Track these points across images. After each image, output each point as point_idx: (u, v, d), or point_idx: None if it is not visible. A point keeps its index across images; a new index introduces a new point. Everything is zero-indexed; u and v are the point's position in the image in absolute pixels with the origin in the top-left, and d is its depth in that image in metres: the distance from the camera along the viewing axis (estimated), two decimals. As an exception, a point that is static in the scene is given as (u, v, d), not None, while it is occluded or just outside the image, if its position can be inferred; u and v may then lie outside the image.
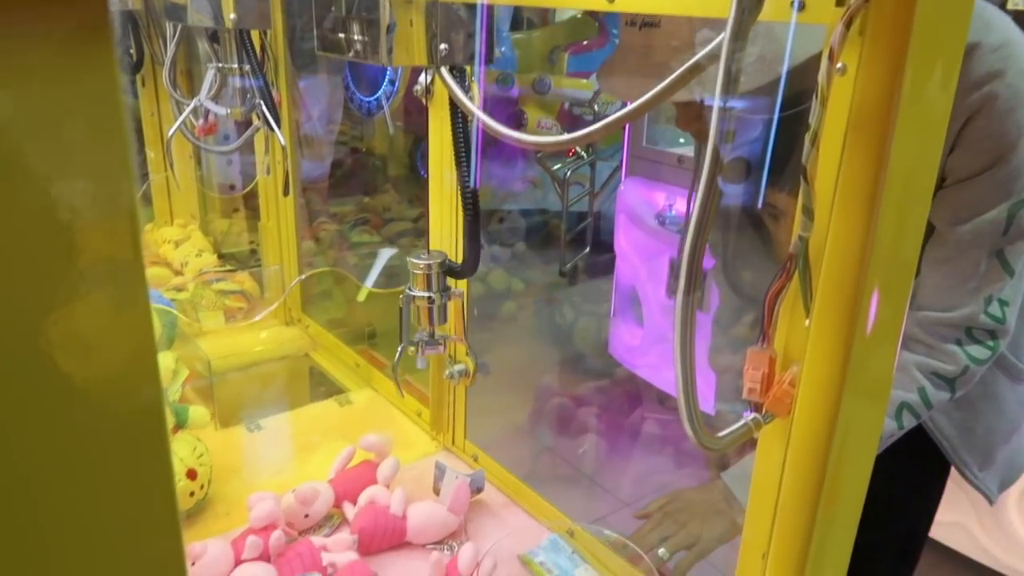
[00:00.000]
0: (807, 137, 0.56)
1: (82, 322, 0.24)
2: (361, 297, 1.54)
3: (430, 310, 0.85)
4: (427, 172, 1.07)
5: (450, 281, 0.91)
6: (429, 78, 1.03)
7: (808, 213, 0.58)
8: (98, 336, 0.25)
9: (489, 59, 0.80)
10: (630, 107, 0.61)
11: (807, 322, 0.56)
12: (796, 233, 0.58)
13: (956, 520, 1.82)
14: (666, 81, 0.57)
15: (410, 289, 0.86)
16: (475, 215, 0.86)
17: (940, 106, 0.51)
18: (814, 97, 0.55)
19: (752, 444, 0.72)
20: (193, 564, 0.81)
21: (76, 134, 0.23)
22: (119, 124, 0.24)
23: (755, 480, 0.65)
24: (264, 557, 0.83)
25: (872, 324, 0.53)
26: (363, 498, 0.94)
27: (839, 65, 0.53)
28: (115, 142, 0.24)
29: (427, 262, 0.84)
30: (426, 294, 0.84)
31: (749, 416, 0.64)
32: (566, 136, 0.69)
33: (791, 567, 0.59)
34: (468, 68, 0.85)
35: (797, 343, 0.60)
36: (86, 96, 0.23)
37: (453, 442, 1.13)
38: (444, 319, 0.87)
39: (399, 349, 0.88)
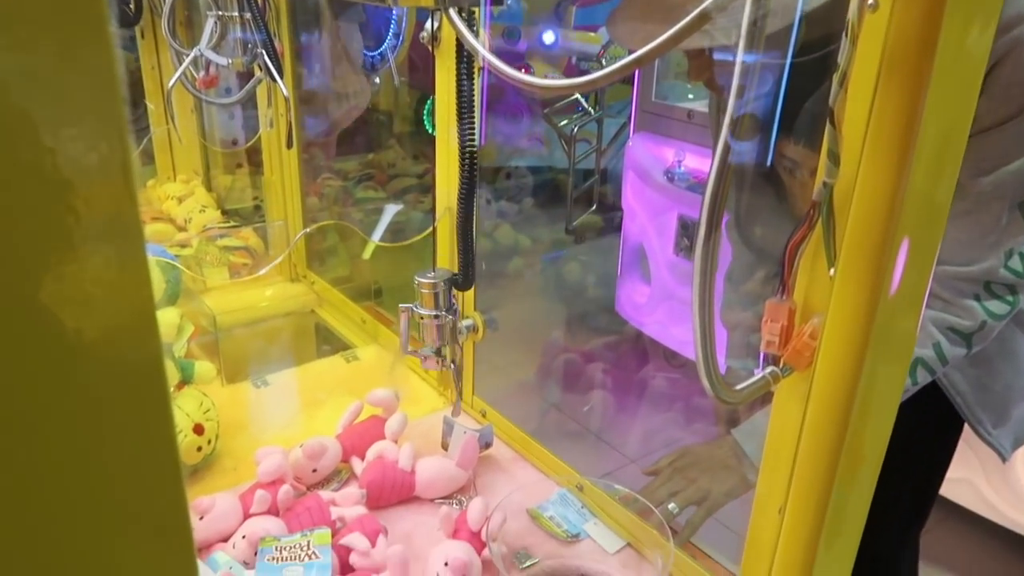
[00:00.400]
0: (835, 78, 0.53)
1: (79, 277, 0.23)
2: (366, 254, 1.52)
3: (438, 328, 0.84)
4: (435, 128, 1.04)
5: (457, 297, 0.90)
6: (436, 23, 1.00)
7: (834, 159, 0.56)
8: (96, 291, 0.24)
9: (498, 0, 0.77)
10: (637, 53, 0.58)
11: (831, 272, 0.54)
12: (820, 179, 0.56)
13: (964, 476, 1.82)
14: (674, 28, 0.54)
15: (416, 307, 0.85)
16: (471, 182, 0.84)
17: (980, 46, 0.48)
18: (843, 36, 0.52)
19: (761, 400, 0.71)
20: (202, 518, 0.80)
21: (68, 86, 0.22)
22: (111, 75, 0.22)
23: (771, 434, 0.64)
24: (273, 511, 0.83)
25: (900, 275, 0.51)
26: (371, 453, 0.93)
27: (870, 1, 0.50)
28: (108, 93, 0.22)
29: (433, 280, 0.83)
30: (433, 312, 0.83)
31: (767, 369, 0.63)
32: (572, 80, 0.67)
33: (808, 522, 0.58)
34: (476, 11, 0.82)
35: (818, 295, 0.58)
36: (78, 47, 0.21)
37: (461, 398, 1.12)
38: (454, 339, 0.86)
39: (393, 361, 0.87)
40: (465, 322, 1.05)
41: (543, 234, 2.76)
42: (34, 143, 0.21)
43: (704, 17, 0.53)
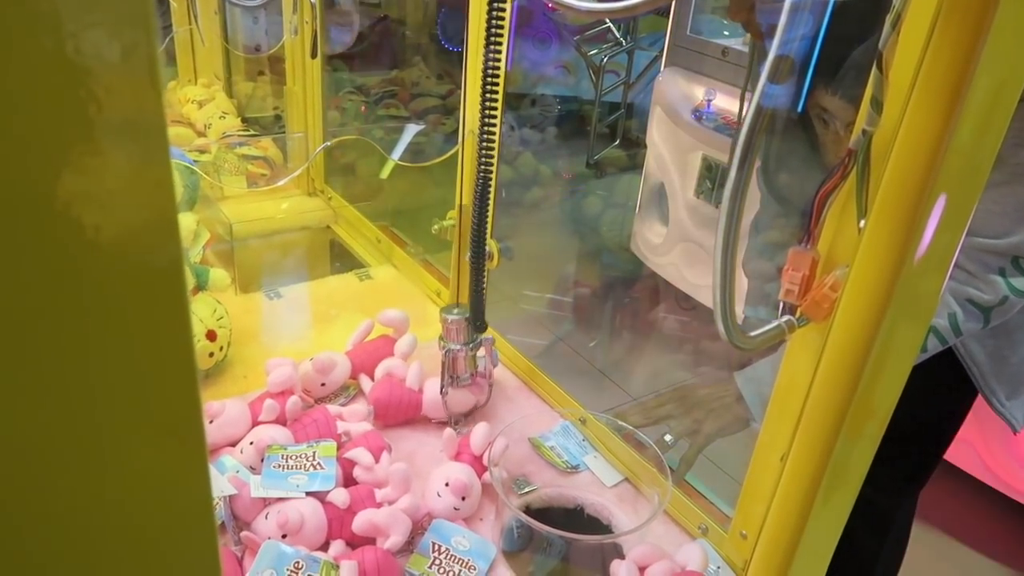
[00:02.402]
0: (888, 20, 0.51)
1: (99, 175, 0.22)
2: (384, 173, 1.51)
3: (459, 360, 0.90)
4: (451, 44, 1.01)
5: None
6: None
7: (877, 106, 0.53)
8: (117, 190, 0.23)
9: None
10: None
11: (861, 224, 0.52)
12: (860, 127, 0.54)
13: (962, 437, 1.83)
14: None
15: (442, 339, 0.90)
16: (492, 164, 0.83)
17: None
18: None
19: (770, 348, 0.70)
20: (211, 422, 0.82)
21: None
22: None
23: (780, 382, 0.64)
24: (280, 420, 0.85)
25: (931, 234, 0.49)
26: (380, 370, 0.94)
27: (935, -60, 0.47)
28: None
29: (458, 318, 0.89)
30: (460, 346, 0.89)
31: (783, 318, 0.62)
32: (608, 4, 0.64)
33: (809, 473, 0.58)
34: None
35: (843, 247, 0.57)
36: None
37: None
38: (476, 365, 0.92)
39: (441, 391, 0.92)
40: (481, 249, 1.04)
41: (564, 165, 2.72)
42: (55, 28, 0.20)
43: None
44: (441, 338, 0.90)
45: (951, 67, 0.46)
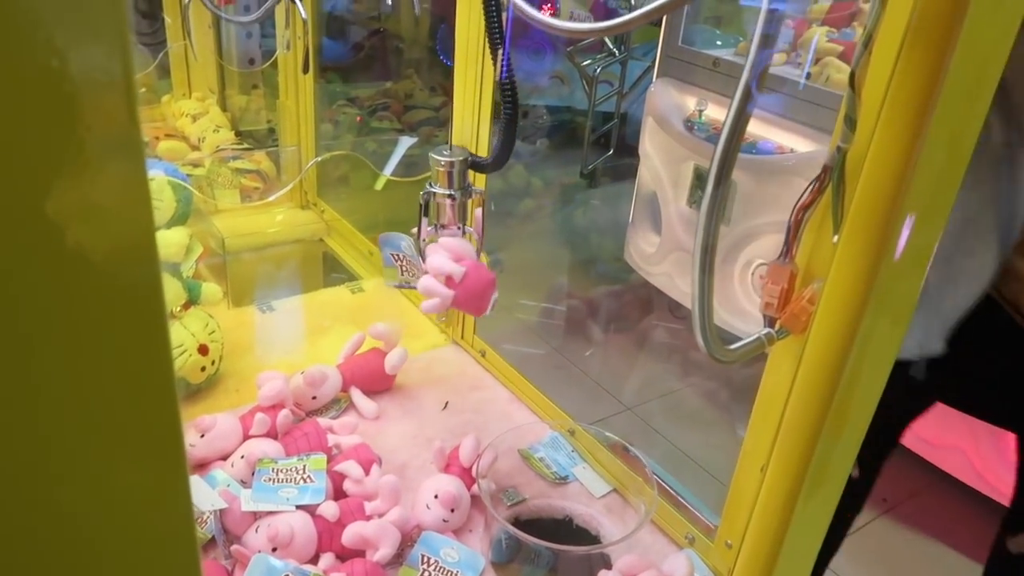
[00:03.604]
0: (860, 41, 0.52)
1: (77, 193, 0.23)
2: (378, 185, 1.52)
3: (452, 207, 0.82)
4: (448, 58, 1.03)
5: (471, 177, 0.88)
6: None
7: (850, 124, 0.55)
8: (95, 208, 0.24)
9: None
10: None
11: (835, 239, 0.54)
12: (834, 144, 0.55)
13: (953, 444, 1.85)
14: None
15: (431, 185, 0.83)
16: (514, 107, 0.82)
17: (1009, 20, 0.47)
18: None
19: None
20: (203, 436, 0.83)
21: None
22: None
23: (761, 394, 0.65)
24: (271, 434, 0.85)
25: (902, 249, 0.51)
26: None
27: (904, -38, 0.48)
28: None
29: (449, 159, 0.81)
30: (447, 191, 0.81)
31: (762, 331, 0.63)
32: (598, 24, 0.65)
33: (789, 482, 0.59)
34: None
35: (821, 260, 0.58)
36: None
37: (462, 336, 1.13)
38: (464, 218, 0.85)
39: (417, 241, 0.86)
40: (470, 262, 1.05)
41: (556, 176, 2.73)
42: (32, 46, 0.21)
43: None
44: (429, 183, 0.84)
45: (919, 85, 0.47)
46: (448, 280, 0.80)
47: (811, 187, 0.60)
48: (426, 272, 0.81)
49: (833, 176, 0.58)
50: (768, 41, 0.52)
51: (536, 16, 0.67)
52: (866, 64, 0.52)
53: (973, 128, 0.49)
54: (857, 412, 0.57)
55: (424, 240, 0.84)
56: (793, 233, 0.62)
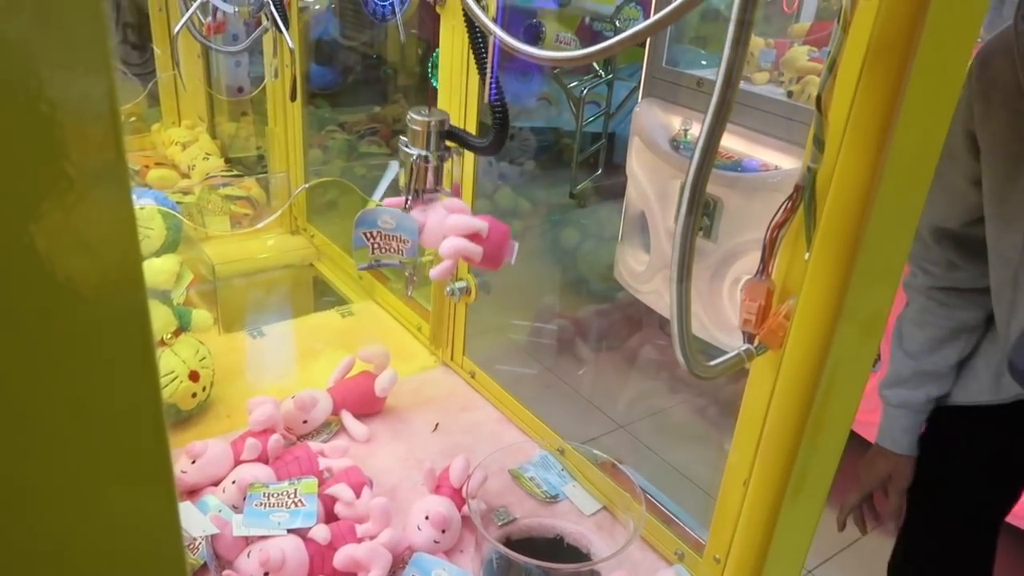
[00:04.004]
0: (825, 64, 0.54)
1: (62, 219, 0.23)
2: (372, 203, 1.53)
3: (425, 169, 0.78)
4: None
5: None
6: (441, -18, 0.99)
7: (819, 144, 0.56)
8: (80, 237, 0.24)
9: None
10: (651, 19, 0.58)
11: (806, 256, 0.55)
12: (805, 164, 0.57)
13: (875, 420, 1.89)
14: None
15: (407, 146, 0.78)
16: (504, 121, 0.81)
17: (964, 41, 0.49)
18: (835, 23, 0.53)
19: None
20: (194, 462, 0.83)
21: (52, 24, 0.22)
22: (98, 15, 0.22)
23: (743, 409, 0.66)
24: (263, 459, 0.86)
25: (871, 264, 0.52)
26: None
27: (865, -12, 0.50)
28: (93, 33, 0.22)
29: (427, 119, 0.77)
30: (423, 152, 0.77)
31: (742, 347, 0.65)
32: (582, 51, 0.67)
33: (771, 494, 0.60)
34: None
35: (796, 277, 0.59)
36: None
37: (452, 357, 1.14)
38: (439, 180, 0.80)
39: (405, 201, 0.80)
40: (458, 284, 1.07)
41: (545, 197, 2.75)
42: (20, 77, 0.21)
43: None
44: (405, 145, 0.80)
45: (879, 106, 0.49)
46: (474, 237, 0.78)
47: (784, 206, 0.61)
48: (405, 243, 0.80)
49: (805, 195, 0.59)
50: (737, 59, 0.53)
51: (520, 47, 0.69)
52: (831, 87, 0.54)
53: (935, 143, 0.51)
54: (834, 423, 0.58)
55: (407, 207, 0.80)
56: (769, 251, 0.64)
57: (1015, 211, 0.93)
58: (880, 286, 0.54)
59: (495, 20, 0.75)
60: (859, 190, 0.50)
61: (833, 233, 0.52)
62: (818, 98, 0.55)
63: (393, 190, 1.45)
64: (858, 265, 0.52)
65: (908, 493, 1.16)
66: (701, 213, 0.57)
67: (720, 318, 1.94)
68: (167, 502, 0.30)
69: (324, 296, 1.45)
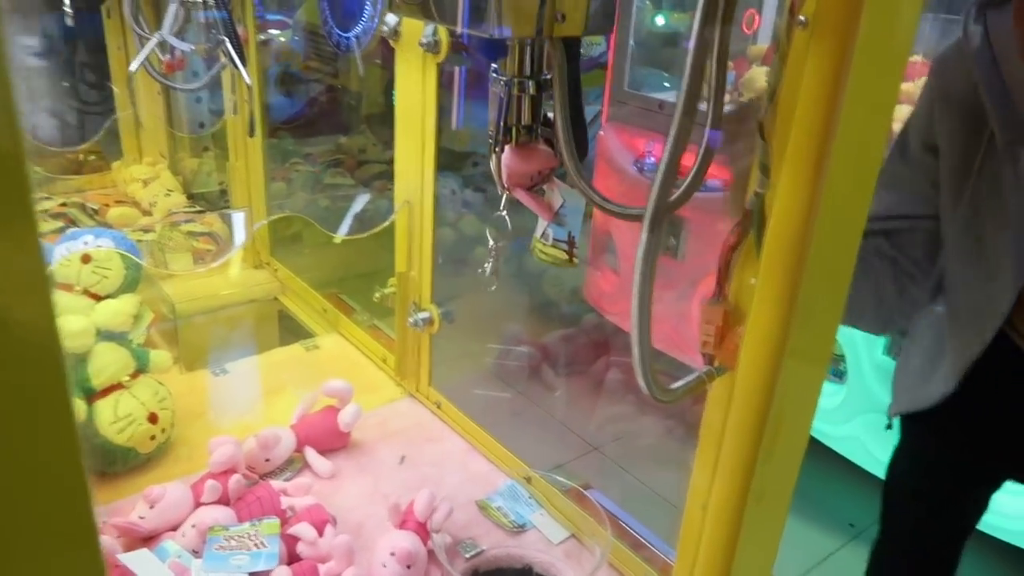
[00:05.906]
0: (766, 94, 0.55)
1: None
2: (337, 239, 1.53)
3: (519, 99, 0.63)
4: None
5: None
6: (397, 19, 1.00)
7: (764, 170, 0.57)
8: None
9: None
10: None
11: (752, 280, 0.56)
12: (751, 189, 0.58)
13: (850, 435, 1.99)
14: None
15: (497, 72, 0.64)
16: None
17: (895, 63, 0.50)
18: (773, 53, 0.54)
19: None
20: (152, 507, 0.81)
21: None
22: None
23: (703, 432, 0.66)
24: (223, 500, 0.84)
25: (815, 286, 0.53)
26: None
27: (801, 18, 0.51)
28: None
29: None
30: (517, 78, 0.61)
31: (703, 369, 0.65)
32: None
33: (730, 515, 0.60)
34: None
35: (746, 299, 0.60)
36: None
37: (418, 389, 1.14)
38: (537, 117, 0.67)
39: (495, 142, 0.68)
40: (421, 315, 1.06)
41: (512, 221, 2.75)
42: None
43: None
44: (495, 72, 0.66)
45: (815, 133, 0.50)
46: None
47: (734, 229, 0.62)
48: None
49: (753, 219, 0.60)
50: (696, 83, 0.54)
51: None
52: (772, 115, 0.55)
53: (871, 172, 0.52)
54: (787, 442, 0.58)
55: (495, 148, 0.70)
56: (723, 273, 0.65)
57: (968, 209, 0.95)
58: (826, 302, 0.55)
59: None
60: (799, 215, 0.51)
61: (777, 257, 0.53)
62: (760, 126, 0.56)
63: (359, 221, 1.45)
64: (801, 289, 0.52)
65: (883, 506, 1.18)
66: (663, 235, 0.58)
67: (690, 337, 1.95)
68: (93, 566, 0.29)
69: (290, 330, 1.43)
